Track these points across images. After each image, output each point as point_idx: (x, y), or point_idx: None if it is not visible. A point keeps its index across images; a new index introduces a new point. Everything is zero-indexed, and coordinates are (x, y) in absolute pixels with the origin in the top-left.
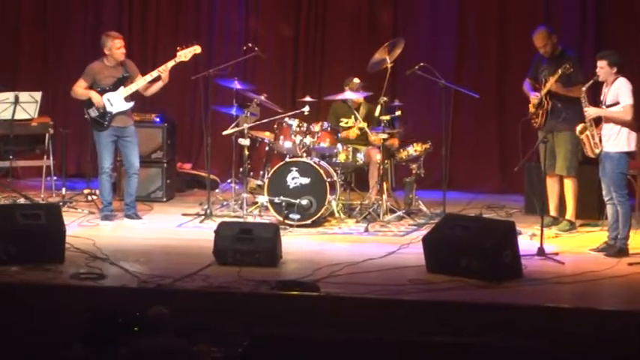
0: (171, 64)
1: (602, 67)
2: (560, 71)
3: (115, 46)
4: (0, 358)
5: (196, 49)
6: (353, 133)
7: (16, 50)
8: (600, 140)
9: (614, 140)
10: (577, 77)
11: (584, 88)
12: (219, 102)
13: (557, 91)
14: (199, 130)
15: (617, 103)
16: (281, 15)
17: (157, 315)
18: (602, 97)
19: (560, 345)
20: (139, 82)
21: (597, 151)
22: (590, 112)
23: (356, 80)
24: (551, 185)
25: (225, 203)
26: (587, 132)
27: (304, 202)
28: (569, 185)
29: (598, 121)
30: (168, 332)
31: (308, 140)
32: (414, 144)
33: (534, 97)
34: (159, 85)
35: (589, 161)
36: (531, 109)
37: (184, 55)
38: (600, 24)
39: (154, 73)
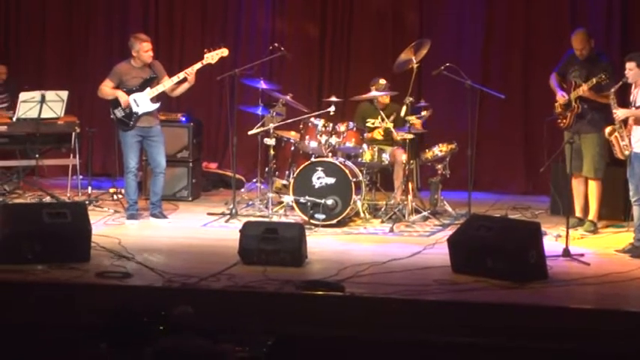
0: (197, 66)
1: (631, 69)
2: (595, 81)
3: (143, 49)
4: (25, 356)
5: (224, 51)
6: (378, 134)
7: (42, 50)
8: (630, 142)
9: None
10: (608, 85)
11: (612, 90)
12: (245, 102)
13: (589, 97)
14: (225, 129)
15: None
16: (307, 15)
17: (181, 314)
18: (631, 98)
19: (585, 346)
20: (166, 84)
21: (627, 152)
22: (619, 113)
23: (382, 81)
24: (577, 186)
25: (250, 203)
26: (617, 133)
27: (329, 202)
28: (594, 187)
29: (627, 123)
30: (192, 332)
31: (333, 140)
32: (440, 144)
33: (562, 97)
34: (185, 86)
35: (616, 162)
36: (557, 109)
37: (211, 57)
38: (626, 24)
39: (181, 75)
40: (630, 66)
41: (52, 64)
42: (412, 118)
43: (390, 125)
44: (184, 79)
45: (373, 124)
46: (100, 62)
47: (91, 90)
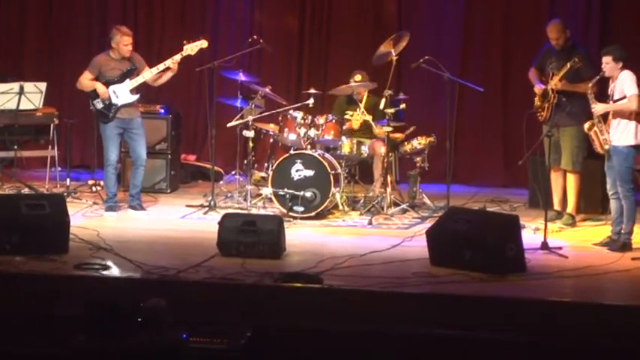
0: (177, 57)
1: (608, 63)
2: (568, 65)
3: (123, 42)
4: (5, 348)
5: (203, 43)
6: (356, 123)
7: (21, 41)
8: (609, 136)
9: (622, 134)
10: (587, 72)
11: (590, 85)
12: (224, 94)
13: (564, 89)
14: (204, 121)
15: (625, 97)
16: (286, 7)
17: (154, 307)
18: (609, 92)
19: (562, 339)
20: (146, 75)
21: (607, 147)
22: (598, 108)
23: (358, 77)
24: (555, 179)
25: (229, 195)
26: (596, 128)
27: (308, 194)
28: (572, 180)
29: (606, 117)
30: (164, 325)
31: (312, 132)
32: (419, 137)
33: (538, 88)
34: (168, 75)
35: (594, 155)
36: (537, 103)
37: (191, 49)
38: (605, 18)
39: (161, 66)
40: (607, 60)
41: (31, 54)
42: (391, 110)
43: (369, 118)
44: (167, 69)
45: (352, 116)
46: (79, 53)
47: (70, 81)
